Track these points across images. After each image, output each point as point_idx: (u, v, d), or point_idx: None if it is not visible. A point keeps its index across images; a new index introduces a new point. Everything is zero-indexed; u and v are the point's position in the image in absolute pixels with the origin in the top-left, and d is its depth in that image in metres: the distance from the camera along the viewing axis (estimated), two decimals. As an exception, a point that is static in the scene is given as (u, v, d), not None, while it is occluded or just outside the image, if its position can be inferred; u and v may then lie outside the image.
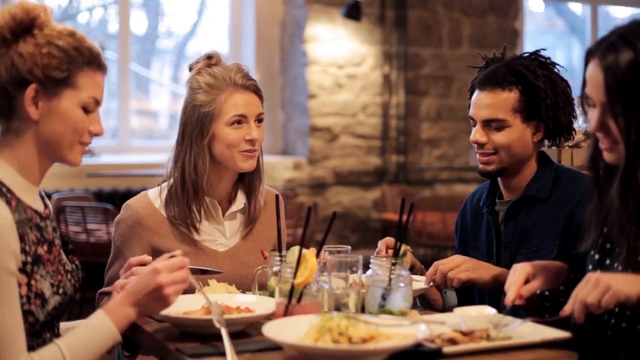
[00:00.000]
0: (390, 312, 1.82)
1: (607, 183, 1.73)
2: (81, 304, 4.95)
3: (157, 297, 1.71)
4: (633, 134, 1.62)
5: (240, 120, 2.22)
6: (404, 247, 1.99)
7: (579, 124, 2.74)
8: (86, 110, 1.74)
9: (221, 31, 6.92)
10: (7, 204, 1.65)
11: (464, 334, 1.70)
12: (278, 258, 2.02)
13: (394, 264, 1.88)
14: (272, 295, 1.98)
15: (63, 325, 1.87)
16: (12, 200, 1.68)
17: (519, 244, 2.22)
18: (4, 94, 1.69)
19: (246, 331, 1.86)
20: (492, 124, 2.21)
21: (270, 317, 1.83)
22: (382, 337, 1.60)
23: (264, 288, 2.12)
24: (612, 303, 1.58)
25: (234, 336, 1.73)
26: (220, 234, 2.29)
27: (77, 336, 1.67)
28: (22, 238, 1.66)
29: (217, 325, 1.71)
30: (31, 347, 1.67)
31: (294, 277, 1.76)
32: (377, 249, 2.15)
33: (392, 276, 1.87)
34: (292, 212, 5.16)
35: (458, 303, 2.30)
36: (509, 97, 2.20)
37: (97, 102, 1.76)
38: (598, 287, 1.59)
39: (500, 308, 1.88)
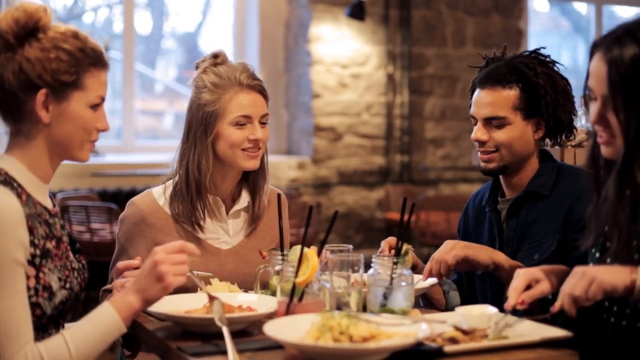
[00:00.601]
0: (392, 311, 1.82)
1: (607, 181, 1.73)
2: (85, 303, 4.96)
3: (154, 277, 1.69)
4: (632, 129, 1.62)
5: (244, 120, 2.23)
6: (405, 246, 1.99)
7: (582, 123, 2.74)
8: (93, 108, 1.76)
9: (225, 31, 6.93)
10: (18, 197, 1.67)
11: (465, 332, 1.70)
12: (280, 257, 2.03)
13: (395, 263, 1.88)
14: (274, 294, 1.98)
15: (68, 326, 1.88)
16: (22, 195, 1.70)
17: (521, 240, 2.22)
18: (14, 99, 1.71)
19: (248, 330, 1.86)
20: (493, 122, 2.22)
21: (271, 316, 1.83)
22: (383, 336, 1.60)
23: (266, 287, 2.12)
24: (599, 294, 1.59)
25: (235, 335, 1.73)
26: (223, 232, 2.30)
27: (82, 327, 1.68)
28: (31, 231, 1.68)
29: (219, 324, 1.72)
30: (37, 341, 1.67)
31: (296, 276, 1.76)
32: (379, 249, 2.15)
33: (393, 275, 1.87)
34: (296, 211, 5.16)
35: (461, 303, 2.30)
36: (510, 94, 2.21)
37: (103, 100, 1.79)
38: (584, 279, 1.60)
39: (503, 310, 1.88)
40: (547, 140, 2.34)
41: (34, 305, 1.69)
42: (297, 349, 1.58)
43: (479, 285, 2.33)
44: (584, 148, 2.75)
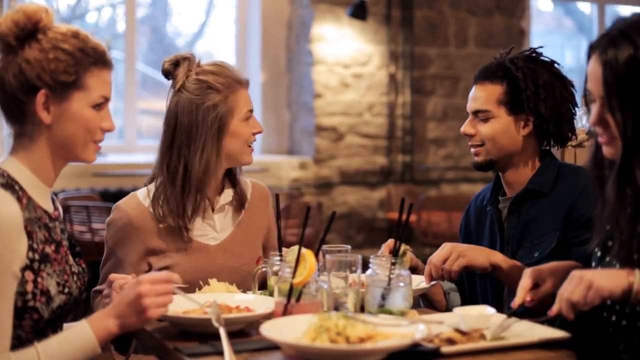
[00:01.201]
0: (390, 312, 1.82)
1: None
2: (86, 303, 4.95)
3: (136, 308, 1.70)
4: (629, 129, 1.62)
5: (250, 115, 2.30)
6: (403, 247, 1.99)
7: (582, 123, 2.73)
8: (97, 108, 1.76)
9: (227, 31, 6.93)
10: (18, 201, 1.67)
11: (462, 333, 1.70)
12: (277, 257, 2.03)
13: (393, 264, 1.88)
14: (272, 294, 1.98)
15: (66, 326, 1.87)
16: (23, 198, 1.70)
17: (521, 238, 2.23)
18: (15, 101, 1.71)
19: (245, 330, 1.86)
20: (479, 115, 2.28)
21: (269, 316, 1.83)
22: (380, 336, 1.60)
23: (264, 287, 2.12)
24: (596, 299, 1.58)
25: (232, 335, 1.73)
26: (211, 228, 2.31)
27: (57, 342, 1.67)
28: (30, 236, 1.68)
29: (216, 324, 1.72)
30: (31, 344, 1.67)
31: (293, 277, 1.76)
32: (380, 252, 2.15)
33: (391, 276, 1.87)
34: (298, 211, 5.16)
35: (462, 303, 2.30)
36: (495, 89, 2.26)
37: (107, 99, 1.79)
38: (581, 284, 1.59)
39: (508, 309, 1.88)
40: (545, 142, 2.33)
41: (32, 310, 1.68)
42: (294, 349, 1.58)
43: (479, 285, 2.33)
44: (585, 148, 2.74)
